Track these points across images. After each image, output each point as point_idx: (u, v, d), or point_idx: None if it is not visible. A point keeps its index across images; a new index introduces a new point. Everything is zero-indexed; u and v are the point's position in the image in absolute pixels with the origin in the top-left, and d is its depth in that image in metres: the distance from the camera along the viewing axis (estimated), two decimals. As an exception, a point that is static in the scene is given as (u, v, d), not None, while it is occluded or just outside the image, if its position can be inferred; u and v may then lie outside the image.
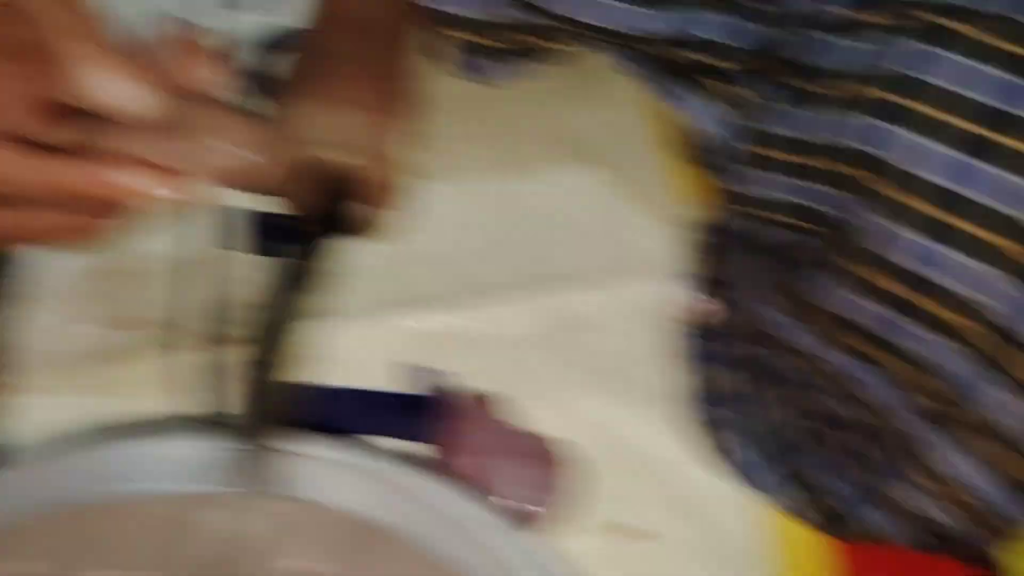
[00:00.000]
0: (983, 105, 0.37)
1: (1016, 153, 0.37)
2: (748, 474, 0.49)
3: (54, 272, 0.50)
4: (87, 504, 0.40)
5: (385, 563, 0.42)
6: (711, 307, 0.53)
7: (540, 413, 0.50)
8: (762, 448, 0.49)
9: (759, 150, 0.46)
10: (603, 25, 0.49)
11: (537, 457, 0.48)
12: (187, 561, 0.41)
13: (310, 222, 0.46)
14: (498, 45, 0.54)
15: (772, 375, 0.50)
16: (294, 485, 0.41)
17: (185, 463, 0.41)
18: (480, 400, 0.50)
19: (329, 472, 0.42)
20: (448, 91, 0.54)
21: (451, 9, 0.52)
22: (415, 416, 0.49)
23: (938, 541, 0.46)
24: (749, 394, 0.50)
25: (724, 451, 0.50)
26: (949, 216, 0.38)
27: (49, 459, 0.40)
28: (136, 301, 0.51)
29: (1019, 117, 0.37)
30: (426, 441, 0.48)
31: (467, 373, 0.51)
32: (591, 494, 0.48)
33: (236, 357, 0.49)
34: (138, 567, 0.41)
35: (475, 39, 0.53)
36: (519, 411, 0.50)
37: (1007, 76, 0.37)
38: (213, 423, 0.41)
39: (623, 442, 0.50)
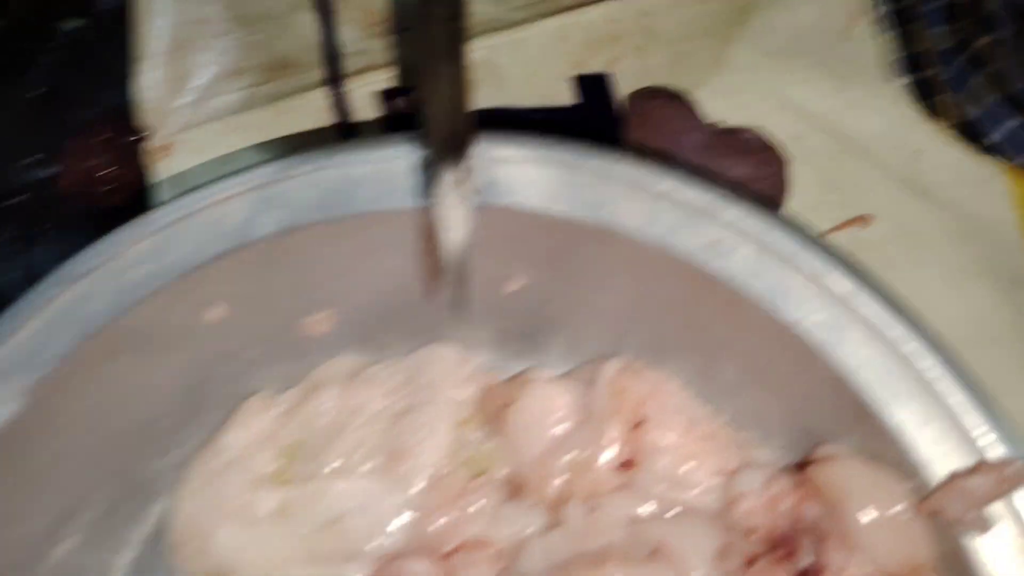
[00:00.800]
0: None
1: None
2: (981, 135, 0.42)
3: (194, 29, 0.48)
4: (268, 238, 0.36)
5: (619, 263, 0.36)
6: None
7: (734, 104, 0.44)
8: (988, 103, 0.42)
9: None
10: None
11: (756, 152, 0.43)
12: (390, 286, 0.38)
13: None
14: None
15: (983, 21, 0.41)
16: (502, 192, 0.36)
17: (381, 182, 0.36)
18: (675, 99, 0.44)
19: (541, 175, 0.36)
20: None
21: None
22: (608, 127, 0.44)
23: None
24: (960, 46, 0.42)
25: (943, 116, 0.43)
26: None
27: (220, 196, 0.36)
28: (286, 43, 0.48)
29: None
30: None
31: (645, 72, 0.45)
32: (815, 185, 0.43)
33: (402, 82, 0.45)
34: (342, 301, 0.39)
35: None
36: (712, 105, 0.44)
37: None
38: (403, 141, 0.36)
39: (833, 125, 0.44)
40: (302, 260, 0.38)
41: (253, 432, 0.39)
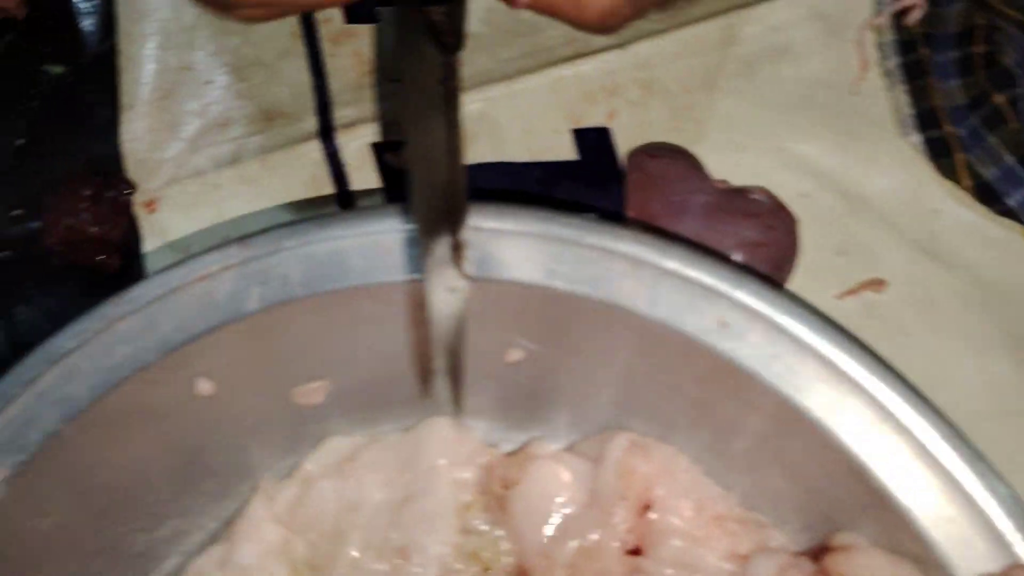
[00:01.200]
0: None
1: None
2: (999, 197, 0.41)
3: (180, 76, 0.46)
4: (256, 313, 0.34)
5: (624, 339, 0.35)
6: (910, 3, 0.43)
7: (737, 161, 0.43)
8: (1005, 164, 0.40)
9: None
10: None
11: (765, 213, 0.41)
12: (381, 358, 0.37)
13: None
14: None
15: (999, 76, 0.40)
16: (492, 265, 0.34)
17: (371, 254, 0.35)
18: (679, 156, 0.42)
19: (541, 250, 0.34)
20: None
21: None
22: (606, 183, 0.42)
23: None
24: (975, 102, 0.41)
25: (959, 176, 0.41)
26: None
27: (208, 270, 0.35)
28: (276, 92, 0.46)
29: None
30: (625, 209, 0.42)
31: (644, 126, 0.44)
32: (825, 247, 0.41)
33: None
34: (335, 372, 0.37)
35: None
36: (715, 161, 0.43)
37: None
38: (395, 212, 0.35)
39: (842, 183, 0.43)
40: (292, 333, 0.36)
41: (263, 545, 0.38)
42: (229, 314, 0.35)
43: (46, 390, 0.34)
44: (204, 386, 0.37)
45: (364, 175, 0.44)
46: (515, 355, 0.37)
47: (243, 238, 0.36)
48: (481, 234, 0.34)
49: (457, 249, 0.33)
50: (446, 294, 0.33)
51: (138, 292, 0.35)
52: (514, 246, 0.35)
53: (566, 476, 0.36)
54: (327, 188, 0.44)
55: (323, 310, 0.36)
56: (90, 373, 0.35)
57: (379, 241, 0.35)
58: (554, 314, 0.35)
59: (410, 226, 0.34)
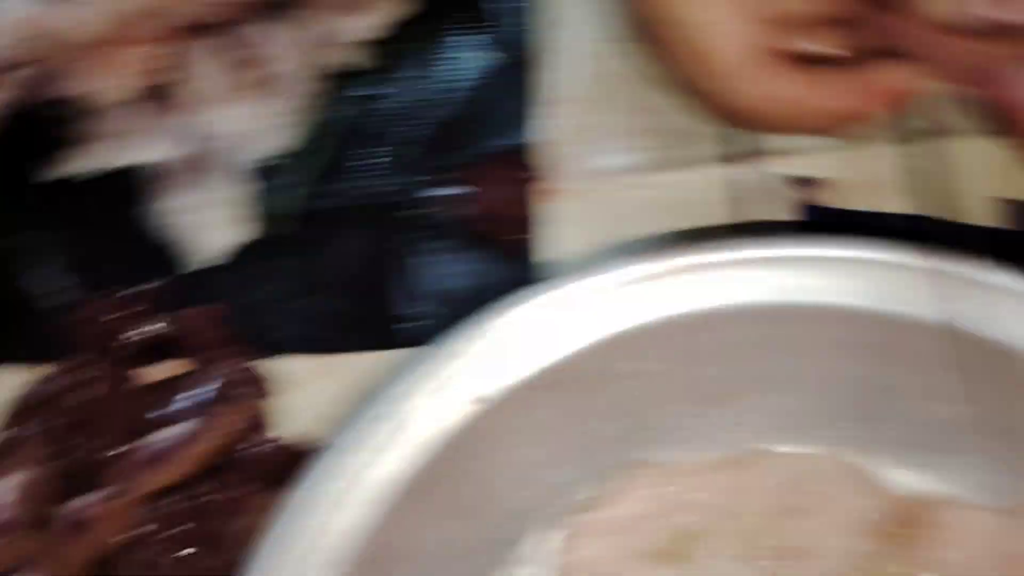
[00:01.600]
0: None
1: None
2: None
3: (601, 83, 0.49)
4: (704, 316, 0.37)
5: None
6: None
7: None
8: None
9: None
10: None
11: None
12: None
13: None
14: None
15: None
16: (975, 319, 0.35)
17: (845, 278, 0.36)
18: None
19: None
20: None
21: None
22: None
23: None
24: None
25: None
26: None
27: (660, 269, 0.38)
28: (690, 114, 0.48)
29: None
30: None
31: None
32: None
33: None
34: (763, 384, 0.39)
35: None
36: None
37: None
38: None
39: None
40: (736, 338, 0.38)
41: (643, 506, 0.39)
42: (671, 311, 0.37)
43: (531, 336, 0.37)
44: (645, 365, 0.39)
45: (766, 206, 0.46)
46: (941, 405, 0.37)
47: (694, 245, 0.38)
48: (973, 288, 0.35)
49: (951, 296, 0.34)
50: (948, 339, 0.33)
51: (624, 272, 0.38)
52: (1006, 305, 0.36)
53: (984, 530, 0.36)
54: (727, 212, 0.46)
55: (785, 322, 0.37)
56: (563, 332, 0.37)
57: (858, 269, 0.36)
58: (1005, 377, 0.36)
59: (900, 261, 0.36)
